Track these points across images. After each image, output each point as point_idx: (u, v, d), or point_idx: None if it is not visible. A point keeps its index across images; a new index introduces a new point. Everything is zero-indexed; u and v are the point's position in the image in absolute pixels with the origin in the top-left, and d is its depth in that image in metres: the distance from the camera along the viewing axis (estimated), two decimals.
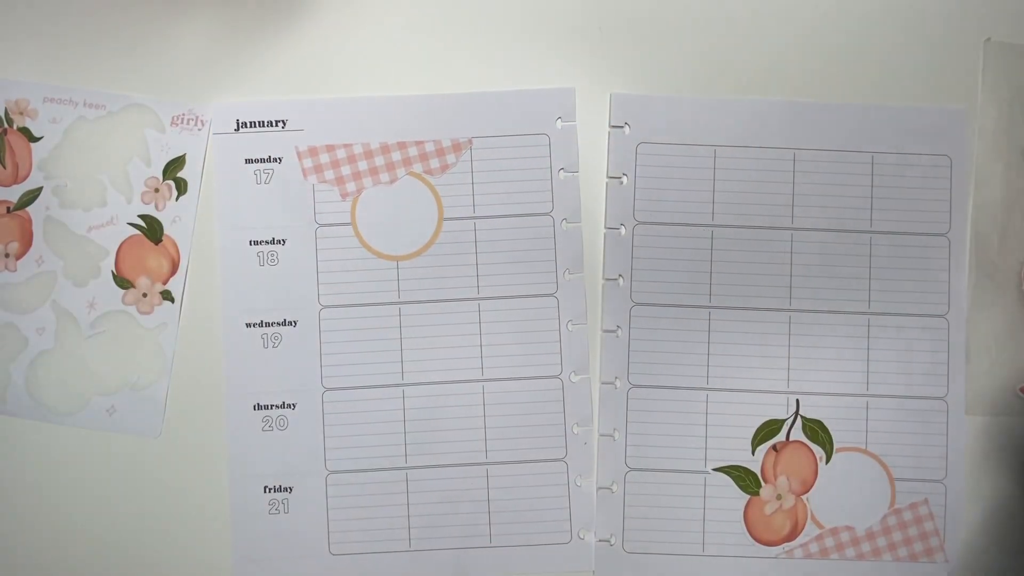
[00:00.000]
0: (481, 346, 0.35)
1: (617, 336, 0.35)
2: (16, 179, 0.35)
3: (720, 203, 0.35)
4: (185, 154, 0.35)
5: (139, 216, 0.35)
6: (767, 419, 0.35)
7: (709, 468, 0.35)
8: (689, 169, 0.35)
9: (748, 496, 0.35)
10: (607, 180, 0.35)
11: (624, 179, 0.35)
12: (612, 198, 0.35)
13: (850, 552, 0.35)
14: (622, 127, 0.35)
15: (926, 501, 0.35)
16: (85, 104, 0.35)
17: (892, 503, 0.35)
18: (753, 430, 0.35)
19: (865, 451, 0.35)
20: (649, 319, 0.35)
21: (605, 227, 0.35)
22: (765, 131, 0.35)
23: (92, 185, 0.35)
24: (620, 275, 0.35)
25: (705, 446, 0.35)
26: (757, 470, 0.35)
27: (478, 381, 0.35)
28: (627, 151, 0.35)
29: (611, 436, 0.35)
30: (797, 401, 0.35)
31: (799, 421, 0.35)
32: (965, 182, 0.35)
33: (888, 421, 0.35)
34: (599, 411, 0.35)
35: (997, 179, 0.35)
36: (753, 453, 0.35)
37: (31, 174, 0.35)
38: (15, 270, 0.35)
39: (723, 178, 0.35)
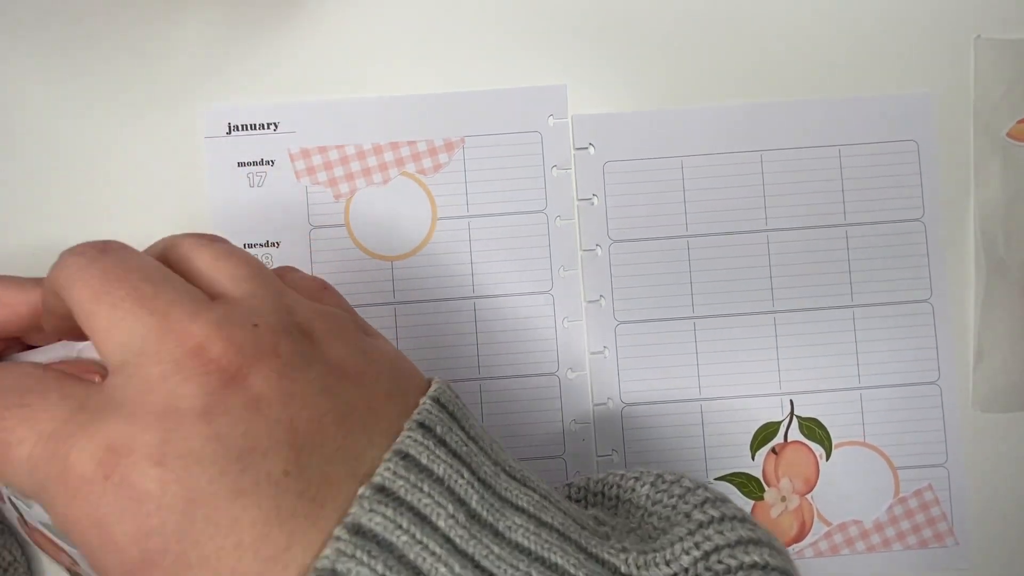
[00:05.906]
0: (477, 344, 0.35)
1: (604, 356, 0.35)
2: None
3: (693, 213, 0.35)
4: None
5: None
6: (763, 422, 0.35)
7: (711, 478, 0.35)
8: (658, 183, 0.35)
9: (753, 502, 0.35)
10: (577, 203, 0.35)
11: (595, 199, 0.35)
12: (585, 220, 0.35)
13: (860, 546, 0.35)
14: (587, 148, 0.35)
15: (930, 487, 0.35)
16: None
17: (896, 492, 0.35)
18: (751, 435, 0.35)
19: (864, 444, 0.35)
20: (635, 336, 0.35)
21: (581, 249, 0.35)
22: (730, 136, 0.35)
23: None
24: (601, 296, 0.35)
25: (705, 456, 0.35)
26: (759, 475, 0.35)
27: (475, 380, 0.35)
28: (594, 172, 0.35)
29: (610, 456, 0.35)
30: (791, 401, 0.35)
31: (795, 421, 0.35)
32: (934, 166, 0.35)
33: (884, 411, 0.35)
34: (595, 433, 0.35)
35: (995, 176, 0.35)
36: (753, 458, 0.35)
37: None
38: None
39: (693, 187, 0.35)
